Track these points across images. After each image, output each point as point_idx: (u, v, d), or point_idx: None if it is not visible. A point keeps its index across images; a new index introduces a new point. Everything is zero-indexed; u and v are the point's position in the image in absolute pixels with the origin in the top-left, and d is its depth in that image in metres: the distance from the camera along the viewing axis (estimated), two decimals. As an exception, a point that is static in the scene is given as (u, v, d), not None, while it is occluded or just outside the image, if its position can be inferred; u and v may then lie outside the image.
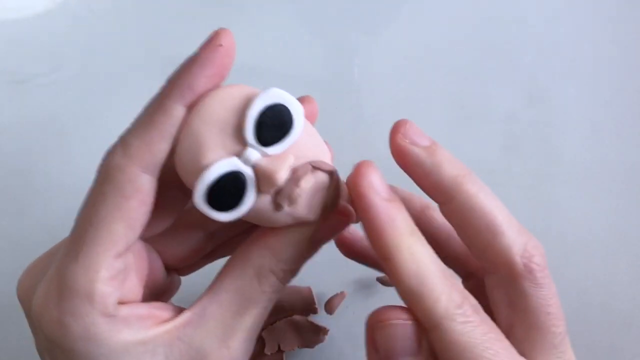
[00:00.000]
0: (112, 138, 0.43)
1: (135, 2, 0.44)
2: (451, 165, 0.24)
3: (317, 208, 0.24)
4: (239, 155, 0.22)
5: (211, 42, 0.22)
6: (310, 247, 0.25)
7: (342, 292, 0.39)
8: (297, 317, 0.38)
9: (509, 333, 0.23)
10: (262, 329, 0.37)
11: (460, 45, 0.43)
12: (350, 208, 0.25)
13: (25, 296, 0.24)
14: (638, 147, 0.42)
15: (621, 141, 0.42)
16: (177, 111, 0.22)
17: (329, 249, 0.41)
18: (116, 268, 0.22)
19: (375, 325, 0.23)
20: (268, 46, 0.43)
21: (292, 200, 0.23)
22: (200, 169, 0.22)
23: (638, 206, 0.41)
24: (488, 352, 0.21)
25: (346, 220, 0.25)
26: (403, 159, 0.25)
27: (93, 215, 0.22)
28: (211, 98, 0.22)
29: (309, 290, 0.38)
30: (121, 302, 0.23)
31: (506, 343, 0.22)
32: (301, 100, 0.24)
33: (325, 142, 0.24)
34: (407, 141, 0.25)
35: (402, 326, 0.23)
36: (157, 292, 0.28)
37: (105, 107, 0.43)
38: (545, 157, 0.41)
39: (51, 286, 0.22)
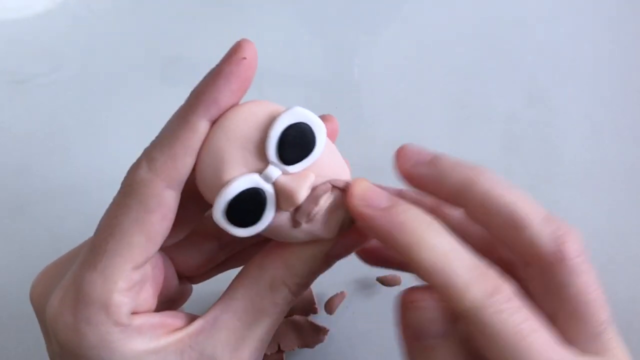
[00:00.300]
0: (112, 138, 0.43)
1: (135, 2, 0.44)
2: (455, 172, 0.24)
3: (334, 226, 0.24)
4: (260, 172, 0.22)
5: (235, 54, 0.22)
6: (324, 263, 0.25)
7: (342, 292, 0.39)
8: (297, 317, 0.38)
9: (553, 322, 0.22)
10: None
11: (460, 45, 0.43)
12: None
13: (39, 301, 0.24)
14: (638, 147, 0.42)
15: (621, 141, 0.42)
16: (202, 126, 0.22)
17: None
18: (133, 280, 0.22)
19: (406, 305, 0.23)
20: (268, 46, 0.43)
21: (310, 218, 0.23)
22: (221, 185, 0.22)
23: (638, 206, 0.41)
24: (522, 343, 0.20)
25: (362, 239, 0.25)
26: (412, 181, 0.25)
27: (115, 226, 0.22)
28: (234, 114, 0.22)
29: (309, 290, 0.38)
30: (135, 312, 0.23)
31: (543, 333, 0.21)
32: (322, 118, 0.24)
33: (344, 160, 0.25)
34: (410, 164, 0.25)
35: (431, 309, 0.23)
36: (170, 299, 0.28)
37: (105, 107, 0.43)
38: (545, 157, 0.41)
39: (67, 293, 0.22)
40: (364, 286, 0.40)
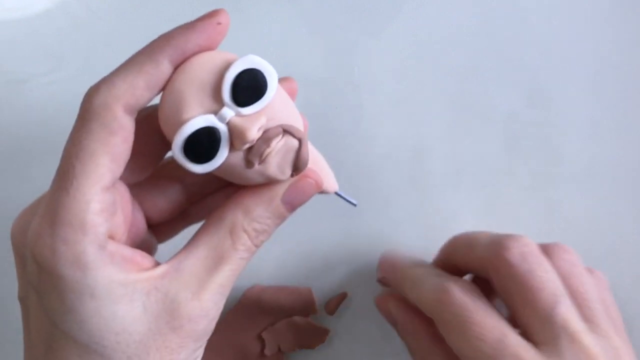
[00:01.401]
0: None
1: (136, 2, 0.44)
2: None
3: (286, 169, 0.26)
4: (215, 113, 0.24)
5: (211, 17, 0.25)
6: (281, 207, 0.27)
7: (342, 293, 0.39)
8: (297, 318, 0.38)
9: (515, 319, 0.29)
10: (263, 330, 0.37)
11: (461, 45, 0.43)
12: (317, 172, 0.27)
13: (19, 237, 0.26)
14: (639, 146, 0.41)
15: (622, 141, 0.42)
16: (165, 67, 0.24)
17: (330, 249, 0.41)
18: (105, 201, 0.24)
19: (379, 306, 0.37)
20: (268, 46, 0.43)
21: (262, 159, 0.25)
22: (180, 123, 0.24)
23: (638, 206, 0.41)
24: (473, 329, 0.28)
25: (315, 183, 0.27)
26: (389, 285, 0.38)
27: (80, 150, 0.23)
28: (194, 60, 0.25)
29: (309, 291, 0.38)
30: (110, 237, 0.24)
31: (495, 318, 0.28)
32: (282, 79, 0.27)
33: (301, 114, 0.26)
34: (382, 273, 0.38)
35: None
36: (139, 247, 0.29)
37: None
38: (546, 157, 0.41)
39: (44, 218, 0.23)
40: (364, 287, 0.39)
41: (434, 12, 0.43)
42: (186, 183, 0.30)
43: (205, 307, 0.25)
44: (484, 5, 0.43)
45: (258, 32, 0.44)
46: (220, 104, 0.24)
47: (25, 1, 0.45)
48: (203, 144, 0.24)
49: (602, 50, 0.43)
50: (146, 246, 0.30)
